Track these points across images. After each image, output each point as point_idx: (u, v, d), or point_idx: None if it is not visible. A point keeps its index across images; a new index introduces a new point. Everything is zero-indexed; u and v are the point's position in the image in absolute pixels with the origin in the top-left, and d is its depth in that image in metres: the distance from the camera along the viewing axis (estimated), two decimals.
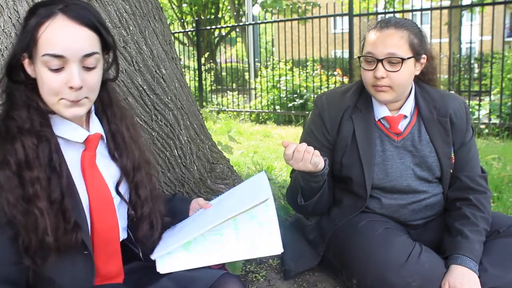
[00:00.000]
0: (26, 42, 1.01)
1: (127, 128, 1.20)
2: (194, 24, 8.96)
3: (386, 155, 1.67)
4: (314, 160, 1.49)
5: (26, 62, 1.05)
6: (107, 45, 1.10)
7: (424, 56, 1.63)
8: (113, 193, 1.16)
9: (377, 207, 1.70)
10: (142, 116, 1.76)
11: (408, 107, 1.68)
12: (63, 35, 1.00)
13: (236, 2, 17.77)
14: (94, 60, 1.05)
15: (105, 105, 1.19)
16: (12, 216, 0.98)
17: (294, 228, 1.91)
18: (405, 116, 1.68)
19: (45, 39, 1.00)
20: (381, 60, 1.56)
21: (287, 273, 1.78)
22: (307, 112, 6.82)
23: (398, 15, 6.84)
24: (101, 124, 1.18)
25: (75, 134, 1.10)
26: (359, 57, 1.65)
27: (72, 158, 1.10)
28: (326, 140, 1.72)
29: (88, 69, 1.04)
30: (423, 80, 1.74)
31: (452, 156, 1.69)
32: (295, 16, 7.83)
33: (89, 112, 1.15)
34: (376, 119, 1.69)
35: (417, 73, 1.65)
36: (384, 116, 1.68)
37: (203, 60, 8.97)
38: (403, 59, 1.55)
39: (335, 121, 1.70)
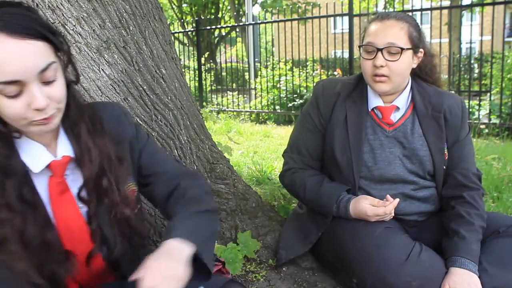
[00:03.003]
0: None
1: (88, 127, 1.06)
2: (194, 24, 8.96)
3: (376, 144, 1.69)
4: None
5: None
6: (58, 47, 0.97)
7: (421, 50, 1.66)
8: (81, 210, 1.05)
9: None
10: (142, 116, 1.76)
11: (402, 100, 1.70)
12: (10, 58, 0.86)
13: (236, 2, 17.77)
14: (52, 72, 0.92)
15: (68, 110, 1.05)
16: None
17: (290, 219, 1.95)
18: (398, 108, 1.71)
19: None
20: (381, 49, 1.59)
21: (278, 261, 1.83)
22: None
23: None
24: (67, 136, 1.06)
25: (36, 162, 0.99)
26: (359, 47, 1.68)
27: (41, 184, 1.01)
28: (320, 124, 1.78)
29: (49, 82, 0.92)
30: (422, 78, 1.77)
31: (446, 152, 1.70)
32: (295, 16, 7.83)
33: (57, 131, 1.04)
34: (370, 109, 1.72)
35: (414, 66, 1.67)
36: (377, 106, 1.70)
37: (203, 60, 8.96)
38: (402, 49, 1.58)
39: (329, 106, 1.75)
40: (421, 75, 1.77)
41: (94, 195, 1.04)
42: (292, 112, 7.15)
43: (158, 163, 1.21)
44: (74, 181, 1.05)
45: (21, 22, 0.88)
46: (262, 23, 8.26)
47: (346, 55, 6.84)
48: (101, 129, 1.08)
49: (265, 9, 14.60)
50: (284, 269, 1.83)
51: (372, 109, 1.72)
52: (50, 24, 0.97)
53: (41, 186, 1.01)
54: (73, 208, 1.04)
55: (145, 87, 1.77)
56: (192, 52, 10.50)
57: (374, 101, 1.71)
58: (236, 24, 12.49)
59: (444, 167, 1.71)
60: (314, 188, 1.74)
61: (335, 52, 8.01)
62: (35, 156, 0.99)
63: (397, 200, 1.61)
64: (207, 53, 11.26)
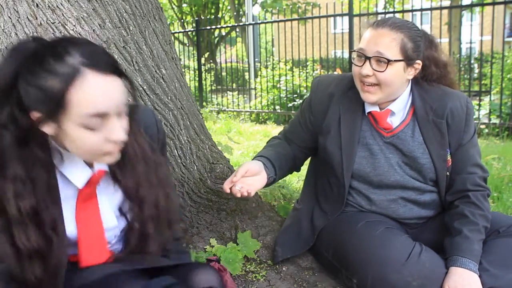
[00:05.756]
0: (53, 108, 0.91)
1: (136, 141, 1.10)
2: (194, 24, 8.95)
3: (375, 149, 1.68)
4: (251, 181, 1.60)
5: (40, 122, 0.94)
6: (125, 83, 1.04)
7: (418, 62, 1.60)
8: (113, 220, 1.12)
9: (367, 203, 1.71)
10: None
11: (398, 104, 1.66)
12: (100, 93, 0.92)
13: (236, 2, 17.77)
14: (124, 106, 0.99)
15: None
16: None
17: (289, 216, 1.95)
18: (393, 112, 1.67)
19: (80, 100, 0.91)
20: (369, 58, 1.56)
21: (275, 258, 1.83)
22: None
23: (398, 15, 6.84)
24: None
25: (77, 177, 1.04)
26: (351, 51, 1.68)
27: (68, 193, 1.06)
28: (310, 121, 1.78)
29: (121, 116, 0.99)
30: (432, 80, 1.71)
31: (449, 159, 1.66)
32: (295, 16, 7.83)
33: None
34: (366, 111, 1.69)
35: (410, 77, 1.62)
36: (371, 111, 1.68)
37: (203, 60, 8.96)
38: (389, 61, 1.53)
39: (322, 105, 1.74)
40: (438, 82, 1.71)
41: (135, 205, 1.10)
42: (292, 112, 7.14)
43: None
44: (100, 190, 1.10)
45: (104, 58, 0.95)
46: (262, 23, 8.26)
47: (346, 55, 6.87)
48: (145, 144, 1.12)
49: (265, 9, 14.60)
50: (284, 269, 1.83)
51: (369, 113, 1.69)
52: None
53: (67, 194, 1.05)
54: (95, 214, 1.08)
55: (145, 87, 1.77)
56: (192, 52, 10.50)
57: (370, 106, 1.67)
58: (236, 24, 12.49)
59: (448, 173, 1.67)
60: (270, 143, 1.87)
61: (335, 52, 8.01)
62: (75, 171, 1.04)
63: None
64: (207, 53, 11.29)
